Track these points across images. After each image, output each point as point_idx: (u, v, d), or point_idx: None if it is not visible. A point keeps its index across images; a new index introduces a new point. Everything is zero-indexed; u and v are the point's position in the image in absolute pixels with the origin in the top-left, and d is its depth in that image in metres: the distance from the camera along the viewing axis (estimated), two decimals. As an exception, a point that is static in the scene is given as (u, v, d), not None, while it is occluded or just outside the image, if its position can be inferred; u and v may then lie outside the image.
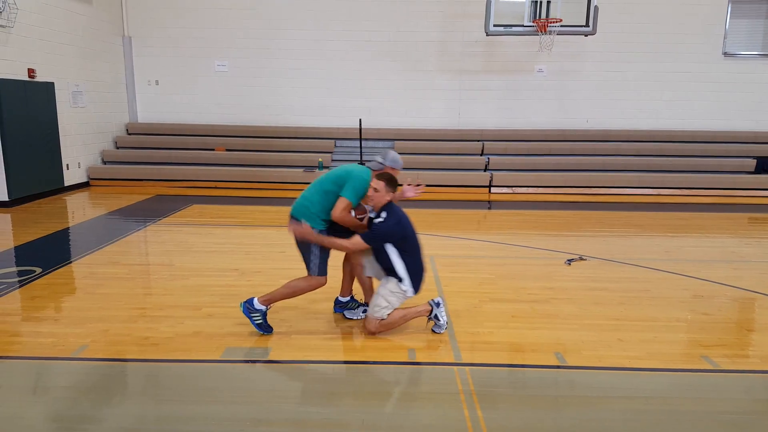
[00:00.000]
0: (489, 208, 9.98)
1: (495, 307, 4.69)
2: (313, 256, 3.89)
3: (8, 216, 8.23)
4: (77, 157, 10.81)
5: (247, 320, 3.98)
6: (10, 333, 4.03)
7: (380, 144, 12.49)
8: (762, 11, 12.29)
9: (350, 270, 4.33)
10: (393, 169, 4.02)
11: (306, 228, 3.75)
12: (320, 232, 3.85)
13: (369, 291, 4.27)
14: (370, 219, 3.92)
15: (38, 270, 5.48)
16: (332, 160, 12.07)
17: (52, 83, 9.78)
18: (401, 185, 4.48)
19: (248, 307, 3.95)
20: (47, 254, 6.24)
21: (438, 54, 12.43)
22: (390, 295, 3.91)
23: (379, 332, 3.98)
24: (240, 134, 12.46)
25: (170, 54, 12.49)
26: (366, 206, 4.09)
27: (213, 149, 12.10)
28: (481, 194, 11.13)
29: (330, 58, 12.46)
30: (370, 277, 4.24)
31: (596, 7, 10.52)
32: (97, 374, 3.47)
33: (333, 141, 12.47)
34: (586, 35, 10.97)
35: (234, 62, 12.55)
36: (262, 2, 12.27)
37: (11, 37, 8.88)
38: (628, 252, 6.61)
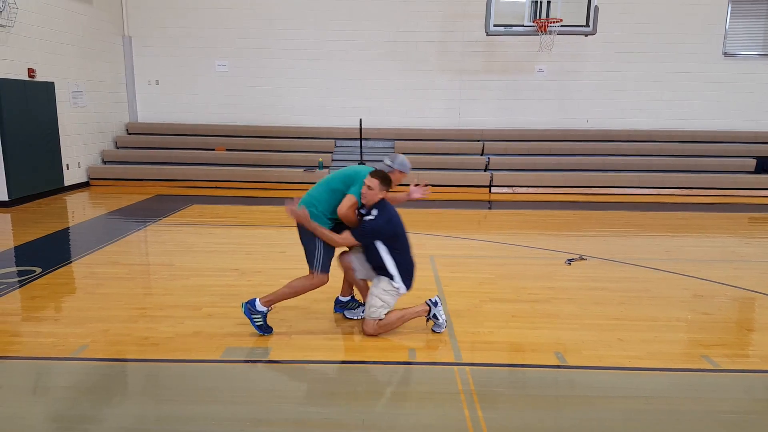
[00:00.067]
0: (489, 208, 9.98)
1: (495, 306, 4.69)
2: (317, 252, 3.89)
3: (8, 216, 8.23)
4: (77, 157, 10.81)
5: (248, 320, 3.98)
6: (10, 333, 4.03)
7: (380, 144, 12.50)
8: (762, 11, 12.28)
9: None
10: (401, 172, 4.03)
11: (304, 213, 3.75)
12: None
13: (365, 291, 4.28)
14: (361, 215, 3.92)
15: (38, 270, 5.48)
16: (332, 160, 12.07)
17: (52, 83, 9.78)
18: (408, 184, 4.48)
19: (249, 308, 3.94)
20: (47, 254, 6.24)
21: (438, 54, 12.43)
22: (384, 294, 3.92)
23: (378, 334, 3.98)
24: (240, 134, 12.46)
25: (170, 54, 12.49)
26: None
27: (213, 149, 12.10)
28: (482, 194, 11.13)
29: (330, 58, 12.46)
30: (364, 279, 4.24)
31: (596, 7, 10.52)
32: (97, 374, 3.47)
33: (333, 141, 12.47)
34: (586, 35, 10.97)
35: (234, 62, 12.55)
36: (262, 2, 12.27)
37: (11, 36, 8.88)
38: (628, 252, 6.61)
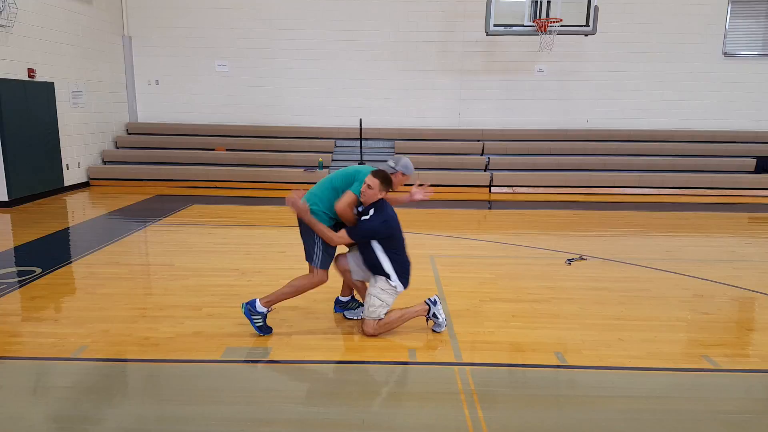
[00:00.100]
0: (489, 208, 9.98)
1: (495, 306, 4.68)
2: (317, 248, 3.89)
3: (8, 216, 8.23)
4: (77, 157, 10.81)
5: (248, 320, 3.98)
6: (10, 333, 4.03)
7: (380, 144, 12.50)
8: (762, 11, 12.28)
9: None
10: (404, 174, 4.03)
11: (304, 206, 3.75)
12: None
13: (364, 292, 4.27)
14: (359, 213, 3.93)
15: (38, 270, 5.48)
16: (332, 160, 12.07)
17: (52, 83, 9.78)
18: (411, 184, 4.48)
19: (250, 309, 3.94)
20: (47, 254, 6.24)
21: (438, 54, 12.43)
22: (382, 293, 3.92)
23: (378, 334, 3.97)
24: (240, 134, 12.46)
25: (170, 54, 12.49)
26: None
27: (213, 149, 12.10)
28: (482, 194, 11.13)
29: (330, 58, 12.46)
30: (362, 280, 4.23)
31: (596, 7, 10.52)
32: (98, 374, 3.47)
33: (333, 141, 12.47)
34: (586, 35, 10.98)
35: (234, 62, 12.55)
36: (262, 2, 12.27)
37: (11, 36, 8.88)
38: (628, 251, 6.61)
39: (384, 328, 3.98)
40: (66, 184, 10.39)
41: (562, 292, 5.06)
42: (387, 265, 3.90)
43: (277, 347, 3.83)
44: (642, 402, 3.20)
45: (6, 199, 8.82)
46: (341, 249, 4.10)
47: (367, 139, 12.31)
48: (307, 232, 3.92)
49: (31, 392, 3.27)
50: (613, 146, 12.22)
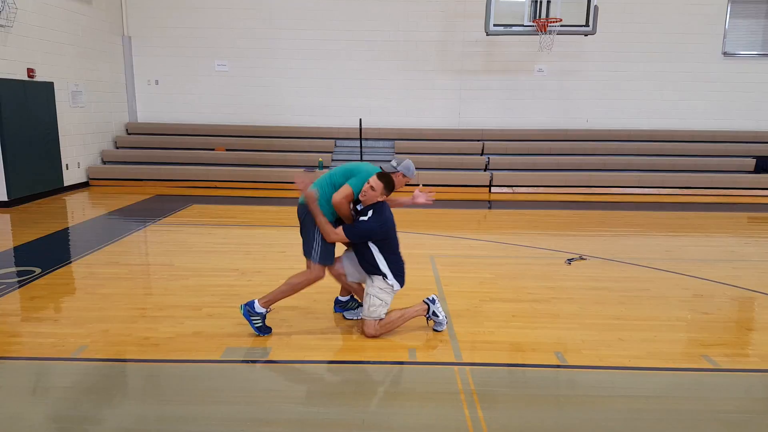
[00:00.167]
0: (489, 208, 9.98)
1: (495, 306, 4.68)
2: (317, 243, 3.89)
3: (8, 216, 8.23)
4: (77, 157, 10.81)
5: (247, 321, 3.98)
6: (9, 333, 4.03)
7: (380, 144, 12.50)
8: (761, 11, 12.28)
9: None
10: (404, 176, 4.04)
11: (314, 192, 3.76)
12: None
13: (361, 293, 4.27)
14: (357, 211, 3.93)
15: (38, 270, 5.47)
16: (332, 160, 12.07)
17: (52, 83, 9.78)
18: (414, 185, 4.48)
19: (249, 310, 3.95)
20: (47, 254, 6.24)
21: (438, 54, 12.43)
22: (380, 293, 3.92)
23: (379, 335, 3.97)
24: (240, 134, 12.46)
25: (170, 54, 12.49)
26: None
27: (213, 149, 12.10)
28: (482, 194, 11.13)
29: (330, 58, 12.46)
30: (358, 282, 4.23)
31: (596, 7, 10.52)
32: (97, 374, 3.47)
33: (333, 141, 12.47)
34: (586, 35, 10.97)
35: (234, 62, 12.55)
36: (262, 2, 12.27)
37: (11, 36, 8.87)
38: (628, 251, 6.61)
39: (385, 329, 3.97)
40: (65, 184, 10.39)
41: (562, 292, 5.06)
42: (383, 264, 3.91)
43: (276, 347, 3.83)
44: (642, 402, 3.20)
45: (5, 199, 8.82)
46: (337, 252, 4.09)
47: (367, 139, 12.31)
48: (307, 227, 3.92)
49: (30, 392, 3.27)
50: (613, 146, 12.22)
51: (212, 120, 12.68)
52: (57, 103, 9.91)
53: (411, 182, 4.25)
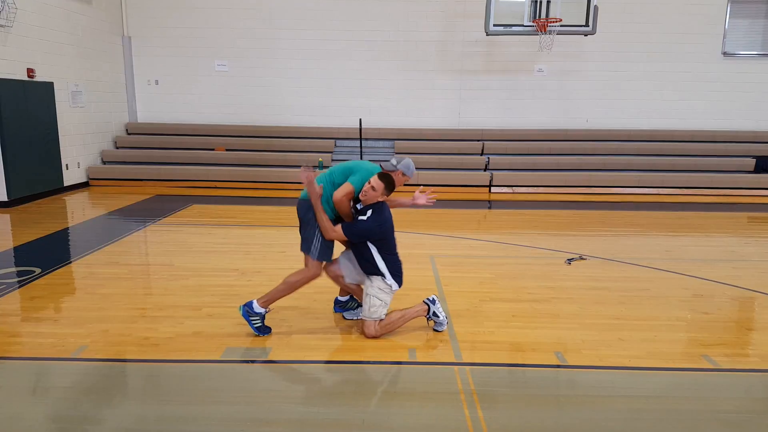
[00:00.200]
0: (489, 208, 9.98)
1: (495, 306, 4.68)
2: (316, 239, 3.89)
3: (7, 216, 8.23)
4: (77, 157, 10.81)
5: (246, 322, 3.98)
6: (9, 333, 4.02)
7: (380, 144, 12.50)
8: (761, 11, 12.29)
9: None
10: (404, 175, 4.03)
11: (318, 188, 3.76)
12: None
13: (360, 293, 4.27)
14: (356, 210, 3.93)
15: (38, 270, 5.47)
16: (332, 160, 12.07)
17: (52, 83, 9.78)
18: (414, 185, 4.47)
19: (248, 310, 3.95)
20: (47, 254, 6.23)
21: (438, 54, 12.43)
22: (380, 293, 3.92)
23: (379, 336, 3.96)
24: (240, 134, 12.46)
25: (170, 54, 12.49)
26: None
27: (213, 149, 12.09)
28: (481, 194, 11.13)
29: (330, 58, 12.46)
30: (356, 283, 4.23)
31: (596, 7, 10.52)
32: (97, 375, 3.47)
33: (333, 141, 12.47)
34: (585, 35, 10.97)
35: (234, 62, 12.55)
36: (262, 2, 12.27)
37: (10, 36, 8.87)
38: (628, 251, 6.61)
39: (385, 330, 3.97)
40: (65, 184, 10.39)
41: (562, 292, 5.06)
42: (381, 264, 3.91)
43: (276, 347, 3.83)
44: (642, 402, 3.20)
45: (5, 199, 8.82)
46: (336, 253, 4.09)
47: (367, 139, 12.31)
48: (308, 224, 3.92)
49: (30, 392, 3.27)
50: (613, 146, 12.22)
51: (212, 120, 12.68)
52: (57, 103, 9.91)
53: (410, 182, 4.24)
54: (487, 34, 11.11)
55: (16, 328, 4.14)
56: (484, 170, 11.66)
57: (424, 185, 4.45)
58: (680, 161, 11.79)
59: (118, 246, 6.57)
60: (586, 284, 5.33)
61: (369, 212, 3.84)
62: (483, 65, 12.46)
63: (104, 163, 11.73)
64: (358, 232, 3.82)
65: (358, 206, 3.94)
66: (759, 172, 11.57)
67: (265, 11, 12.29)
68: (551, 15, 10.53)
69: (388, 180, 3.81)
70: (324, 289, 4.64)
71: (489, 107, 12.65)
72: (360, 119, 11.85)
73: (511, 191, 11.25)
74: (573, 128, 12.59)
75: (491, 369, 3.58)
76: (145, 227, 7.64)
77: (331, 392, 3.33)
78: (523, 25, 10.77)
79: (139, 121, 12.76)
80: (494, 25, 10.74)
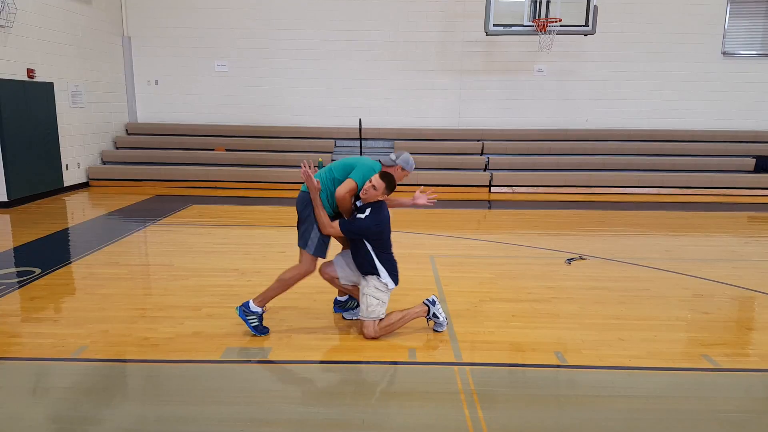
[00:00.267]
0: (489, 208, 9.98)
1: (495, 306, 4.68)
2: (314, 234, 3.89)
3: (7, 216, 8.23)
4: (77, 158, 10.81)
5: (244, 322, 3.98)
6: (9, 334, 4.02)
7: (380, 144, 12.50)
8: (761, 11, 12.29)
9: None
10: (403, 169, 4.03)
11: (317, 183, 3.77)
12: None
13: (357, 293, 4.26)
14: (355, 207, 3.94)
15: (37, 271, 5.47)
16: (332, 160, 12.01)
17: (52, 83, 9.77)
18: (419, 185, 4.48)
19: (244, 310, 3.96)
20: (47, 255, 6.23)
21: (438, 54, 12.43)
22: (377, 292, 3.92)
23: (379, 336, 3.96)
24: (240, 134, 12.46)
25: (170, 54, 12.49)
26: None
27: (213, 149, 12.09)
28: (481, 194, 11.13)
29: (330, 58, 12.46)
30: (353, 284, 4.22)
31: (596, 7, 10.53)
32: (97, 375, 3.46)
33: (333, 141, 12.47)
34: (585, 35, 10.98)
35: (234, 62, 12.55)
36: (262, 2, 12.27)
37: (10, 37, 8.87)
38: (628, 251, 6.61)
39: (385, 331, 3.96)
40: (65, 184, 10.39)
41: (562, 292, 5.06)
42: (377, 263, 3.91)
43: (276, 347, 3.82)
44: (642, 402, 3.19)
45: (5, 199, 8.82)
46: (328, 256, 4.08)
47: (366, 139, 12.31)
48: (306, 220, 3.92)
49: (30, 393, 3.27)
50: (612, 146, 12.22)
51: (212, 120, 12.68)
52: (57, 104, 9.91)
53: (410, 182, 4.24)
54: (487, 34, 11.11)
55: (16, 329, 4.14)
56: (484, 170, 11.66)
57: (424, 185, 4.44)
58: (680, 161, 11.79)
59: (118, 246, 6.57)
60: (586, 284, 5.33)
61: (368, 210, 3.84)
62: (483, 65, 12.46)
63: (104, 163, 11.73)
64: (355, 230, 3.82)
65: (358, 203, 3.94)
66: (759, 172, 11.57)
67: (264, 11, 12.29)
68: (551, 15, 10.53)
69: (389, 180, 3.81)
70: (324, 289, 4.64)
71: (489, 107, 12.65)
72: (360, 119, 11.85)
73: (511, 191, 11.25)
74: (573, 128, 12.59)
75: (491, 369, 3.58)
76: (144, 227, 7.64)
77: (331, 392, 3.33)
78: (522, 25, 10.78)
79: (139, 121, 12.76)
80: (494, 25, 10.74)
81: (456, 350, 3.82)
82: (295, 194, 4.09)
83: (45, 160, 9.71)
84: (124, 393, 3.29)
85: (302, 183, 3.93)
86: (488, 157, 11.84)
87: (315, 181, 3.77)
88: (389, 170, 3.95)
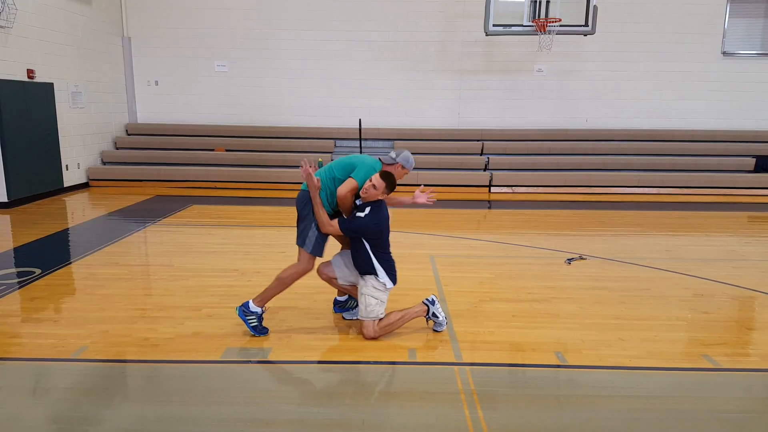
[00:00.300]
0: (489, 208, 9.98)
1: (495, 306, 4.68)
2: (312, 232, 3.89)
3: (7, 217, 8.23)
4: (77, 158, 10.81)
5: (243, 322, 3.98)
6: (9, 334, 4.02)
7: (380, 144, 12.50)
8: (760, 10, 12.29)
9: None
10: (403, 167, 4.04)
11: (317, 182, 3.76)
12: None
13: (356, 292, 4.26)
14: (355, 206, 3.94)
15: (38, 271, 5.47)
16: (332, 160, 12.04)
17: (52, 84, 9.77)
18: (419, 185, 4.48)
19: (244, 310, 3.96)
20: (47, 255, 6.23)
21: (438, 54, 12.43)
22: (375, 291, 3.92)
23: (378, 336, 3.96)
24: (240, 134, 12.46)
25: (170, 54, 12.49)
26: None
27: (213, 149, 12.10)
28: (481, 194, 11.13)
29: (330, 58, 12.46)
30: (351, 284, 4.22)
31: (595, 7, 10.53)
32: (97, 375, 3.46)
33: (333, 141, 12.47)
34: (585, 35, 10.98)
35: (234, 62, 12.55)
36: (262, 2, 12.27)
37: (10, 37, 8.87)
38: (628, 251, 6.61)
39: (384, 331, 3.96)
40: (65, 184, 10.39)
41: (562, 292, 5.06)
42: (375, 262, 3.91)
43: (276, 347, 3.82)
44: (642, 402, 3.19)
45: (5, 199, 8.82)
46: (326, 256, 4.08)
47: (366, 140, 12.31)
48: (305, 218, 3.92)
49: (30, 393, 3.27)
50: (612, 146, 12.22)
51: (212, 120, 12.69)
52: (57, 104, 9.91)
53: (410, 181, 4.24)
54: (487, 34, 11.11)
55: (16, 329, 4.14)
56: (484, 170, 11.66)
57: (424, 185, 4.43)
58: (680, 161, 11.79)
59: (118, 247, 6.57)
60: (586, 284, 5.32)
61: (367, 209, 3.84)
62: (482, 65, 12.47)
63: (104, 163, 11.73)
64: (354, 229, 3.82)
65: (357, 202, 3.95)
66: (759, 172, 11.57)
67: (264, 11, 12.29)
68: (551, 15, 10.53)
69: (389, 179, 3.82)
70: (324, 290, 4.64)
71: (488, 107, 12.65)
72: (360, 119, 11.85)
73: (511, 191, 11.25)
74: (573, 128, 12.59)
75: (491, 369, 3.58)
76: (144, 228, 7.64)
77: (331, 392, 3.33)
78: (522, 25, 10.78)
79: (138, 121, 12.76)
80: (494, 25, 10.74)
81: (456, 350, 3.82)
82: (295, 194, 4.09)
83: (45, 160, 9.71)
84: (124, 393, 3.29)
85: (302, 182, 3.92)
86: (488, 157, 11.85)
87: (315, 179, 3.77)
88: (389, 168, 3.96)
